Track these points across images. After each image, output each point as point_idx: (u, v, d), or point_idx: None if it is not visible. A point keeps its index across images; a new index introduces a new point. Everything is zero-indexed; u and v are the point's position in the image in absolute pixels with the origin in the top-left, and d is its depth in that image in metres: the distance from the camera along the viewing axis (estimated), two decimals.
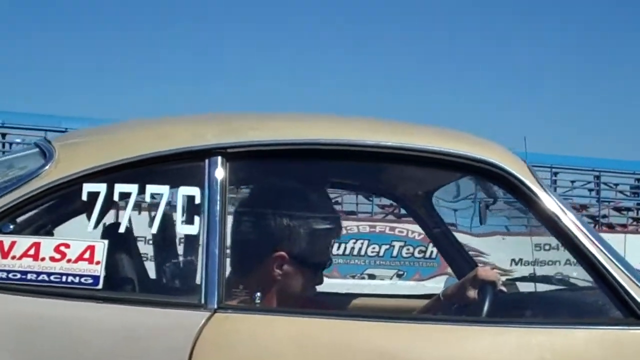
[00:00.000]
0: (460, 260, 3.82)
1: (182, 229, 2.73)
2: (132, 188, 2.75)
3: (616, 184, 24.61)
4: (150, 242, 2.89)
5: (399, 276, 15.90)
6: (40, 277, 2.64)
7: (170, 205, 2.76)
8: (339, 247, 14.42)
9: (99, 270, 2.66)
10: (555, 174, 23.72)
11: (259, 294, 2.78)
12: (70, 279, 2.65)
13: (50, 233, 2.87)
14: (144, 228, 2.79)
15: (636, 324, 2.79)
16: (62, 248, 2.68)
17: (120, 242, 2.81)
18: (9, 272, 2.64)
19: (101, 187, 2.75)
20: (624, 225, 22.99)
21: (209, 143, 2.81)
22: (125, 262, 2.83)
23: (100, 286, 2.65)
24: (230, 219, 2.81)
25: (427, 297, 3.54)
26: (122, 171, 2.78)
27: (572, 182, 24.47)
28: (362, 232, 15.96)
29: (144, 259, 2.90)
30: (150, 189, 2.76)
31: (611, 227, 22.71)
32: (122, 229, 2.75)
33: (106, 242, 2.71)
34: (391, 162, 3.00)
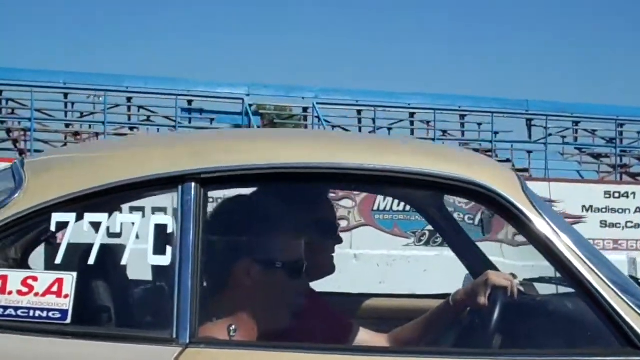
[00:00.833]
0: (476, 261, 3.67)
1: (153, 260, 2.63)
2: (102, 217, 2.66)
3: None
4: (122, 273, 2.79)
5: None
6: (7, 312, 2.57)
7: (141, 235, 2.65)
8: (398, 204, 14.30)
9: (68, 304, 2.57)
10: (577, 122, 23.46)
11: (233, 326, 2.66)
12: (37, 313, 2.57)
13: (21, 263, 2.79)
14: (116, 258, 2.69)
15: (634, 354, 2.63)
16: (30, 281, 2.60)
17: (90, 273, 2.72)
18: None
19: (70, 217, 2.66)
20: None
21: (183, 169, 2.70)
22: (95, 295, 2.74)
23: (68, 321, 2.56)
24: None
25: (443, 297, 3.41)
26: (92, 200, 2.69)
27: (594, 130, 24.18)
28: None
29: (116, 290, 2.80)
30: (121, 218, 2.66)
31: (632, 177, 22.42)
32: (91, 260, 2.65)
33: (75, 274, 2.62)
34: (374, 185, 2.87)
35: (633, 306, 2.66)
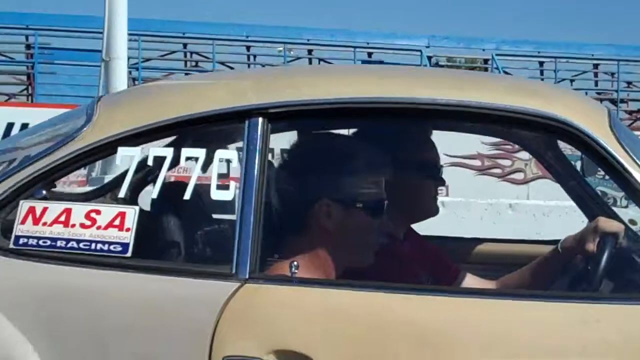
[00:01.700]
0: (594, 208, 3.48)
1: (217, 195, 2.57)
2: (167, 152, 2.63)
3: None
4: (185, 207, 2.74)
5: None
6: (69, 245, 2.57)
7: (207, 170, 2.60)
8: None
9: (129, 237, 2.55)
10: None
11: (295, 263, 2.57)
12: (99, 246, 2.56)
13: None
14: (180, 193, 2.64)
15: None
16: (93, 214, 2.59)
17: (152, 208, 2.69)
18: (39, 238, 2.58)
19: (136, 151, 2.63)
20: None
21: (250, 103, 2.63)
22: (157, 230, 2.71)
23: (129, 254, 2.54)
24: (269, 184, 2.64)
25: (553, 243, 3.28)
26: (157, 134, 2.66)
27: None
28: None
29: (178, 225, 2.76)
30: (186, 152, 2.62)
31: None
32: (154, 195, 2.61)
33: (137, 208, 2.60)
34: (447, 120, 2.72)
35: None
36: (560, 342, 2.43)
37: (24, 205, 2.61)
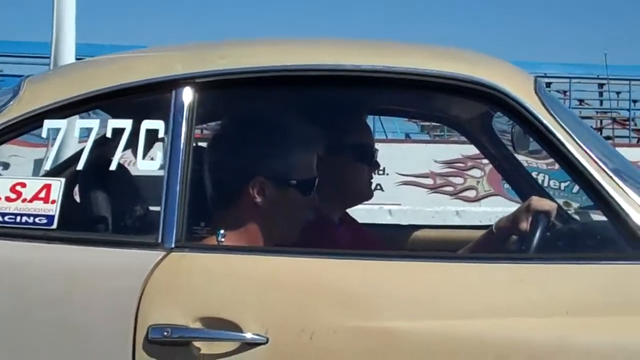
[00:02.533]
0: (526, 187, 3.50)
1: (143, 165, 2.56)
2: (94, 123, 2.61)
3: None
4: (111, 179, 2.73)
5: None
6: None
7: (133, 140, 2.59)
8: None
9: (54, 209, 2.53)
10: None
11: (222, 231, 2.57)
12: (24, 219, 2.54)
13: None
14: (106, 164, 2.63)
15: None
16: (18, 187, 2.57)
17: (79, 180, 2.67)
18: None
19: (62, 124, 2.62)
20: None
21: (176, 73, 2.62)
22: (83, 201, 2.69)
23: (54, 226, 2.52)
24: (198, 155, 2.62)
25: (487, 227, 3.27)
26: (83, 106, 2.66)
27: None
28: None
29: (104, 196, 2.74)
30: (112, 123, 2.60)
31: None
32: (80, 166, 2.60)
33: (63, 180, 2.58)
34: (373, 86, 2.72)
35: None
36: (486, 302, 2.44)
37: None
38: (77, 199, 2.69)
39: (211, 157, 2.71)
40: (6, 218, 2.54)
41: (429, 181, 15.77)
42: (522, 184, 3.55)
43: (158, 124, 2.58)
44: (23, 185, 2.57)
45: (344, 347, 2.39)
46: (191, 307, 2.42)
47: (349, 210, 3.39)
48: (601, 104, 23.52)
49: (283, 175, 2.72)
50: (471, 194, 15.86)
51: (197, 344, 2.40)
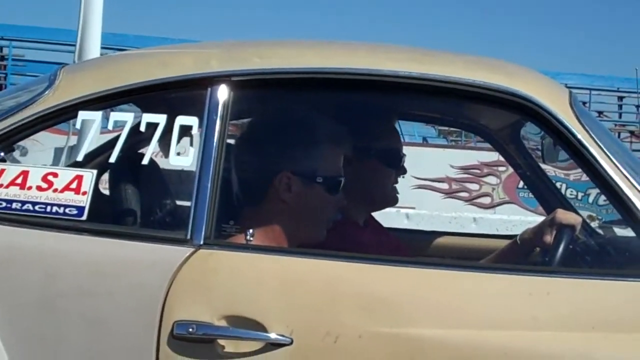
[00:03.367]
0: (551, 199, 3.49)
1: (175, 160, 2.57)
2: (128, 117, 2.62)
3: None
4: (143, 173, 2.73)
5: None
6: (24, 207, 2.55)
7: (167, 135, 2.59)
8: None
9: (85, 201, 2.54)
10: None
11: (251, 231, 2.57)
12: (54, 209, 2.55)
13: None
14: (139, 158, 2.64)
15: None
16: (50, 177, 2.58)
17: (109, 172, 2.68)
18: None
19: (96, 115, 2.62)
20: None
21: (212, 71, 2.62)
22: (113, 194, 2.70)
23: (84, 217, 2.53)
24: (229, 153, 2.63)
25: (511, 237, 3.28)
26: (118, 99, 2.66)
27: None
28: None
29: (136, 190, 2.75)
30: (147, 117, 2.61)
31: None
32: (113, 159, 2.60)
33: (95, 172, 2.58)
34: (411, 93, 2.72)
35: None
36: (511, 313, 2.43)
37: None
38: (102, 190, 2.68)
39: (240, 155, 2.72)
40: (37, 207, 2.54)
41: (445, 186, 15.77)
42: (547, 195, 3.54)
43: (192, 120, 2.58)
44: (55, 175, 2.58)
45: (368, 352, 2.39)
46: (217, 305, 2.42)
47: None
48: (620, 116, 23.50)
49: (309, 171, 2.73)
50: (486, 200, 15.84)
51: (221, 341, 2.41)
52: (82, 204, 2.53)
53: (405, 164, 3.31)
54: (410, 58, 2.72)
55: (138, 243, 2.51)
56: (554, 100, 2.61)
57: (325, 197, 2.76)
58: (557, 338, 2.40)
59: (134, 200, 2.72)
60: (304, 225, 2.77)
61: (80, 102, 2.63)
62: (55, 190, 2.55)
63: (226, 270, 2.47)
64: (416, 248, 3.67)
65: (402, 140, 3.47)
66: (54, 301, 2.48)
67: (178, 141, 2.57)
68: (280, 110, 2.87)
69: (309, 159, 2.75)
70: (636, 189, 2.52)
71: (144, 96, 2.67)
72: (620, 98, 23.13)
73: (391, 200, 3.35)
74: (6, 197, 2.56)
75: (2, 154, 2.62)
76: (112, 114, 2.63)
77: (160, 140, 2.59)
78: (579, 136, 2.55)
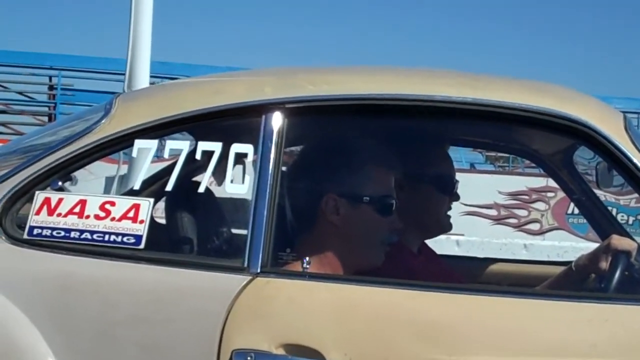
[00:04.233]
0: (606, 225, 3.46)
1: (231, 188, 2.58)
2: (183, 145, 2.63)
3: None
4: (199, 200, 2.75)
5: None
6: (83, 236, 2.58)
7: (222, 163, 2.60)
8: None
9: (142, 229, 2.55)
10: None
11: (307, 259, 2.57)
12: (112, 237, 2.56)
13: None
14: (195, 186, 2.65)
15: None
16: (108, 206, 2.60)
17: (167, 200, 2.69)
18: (53, 229, 2.59)
19: (152, 144, 2.64)
20: None
21: (267, 98, 2.64)
22: (171, 222, 2.71)
23: (142, 246, 2.54)
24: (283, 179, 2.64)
25: (565, 264, 3.24)
26: (174, 127, 2.68)
27: None
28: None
29: (192, 218, 2.76)
30: (202, 146, 2.62)
31: None
32: (169, 187, 2.62)
33: (152, 200, 2.60)
34: (461, 118, 2.71)
35: None
36: (570, 340, 2.41)
37: (39, 196, 2.62)
38: (155, 218, 2.70)
39: (292, 181, 2.73)
40: (95, 236, 2.56)
41: (493, 212, 15.71)
42: (601, 221, 3.50)
43: (247, 148, 2.60)
44: (112, 204, 2.60)
45: None
46: (275, 333, 2.42)
47: None
48: None
49: (354, 192, 2.73)
50: (535, 227, 15.75)
51: None
52: (139, 233, 2.55)
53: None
54: (462, 83, 2.71)
55: (195, 271, 2.52)
56: (609, 124, 2.59)
57: (375, 218, 2.76)
58: None
59: (190, 228, 2.73)
60: (357, 248, 2.76)
61: (136, 131, 2.65)
62: (112, 219, 2.57)
63: (283, 298, 2.47)
64: (469, 275, 3.65)
65: (454, 166, 3.46)
66: (112, 329, 2.50)
67: (233, 169, 2.58)
68: (327, 135, 2.88)
69: (354, 180, 2.75)
70: None
71: (199, 124, 2.68)
72: None
73: (445, 226, 3.34)
74: (65, 226, 2.58)
75: (60, 183, 2.65)
76: (167, 142, 2.64)
77: (216, 168, 2.60)
78: (635, 160, 2.53)
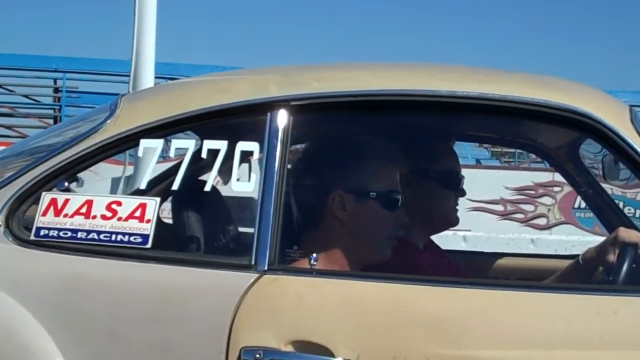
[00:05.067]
0: (613, 217, 3.45)
1: (237, 187, 2.58)
2: (189, 144, 2.64)
3: None
4: (205, 199, 2.75)
5: None
6: (90, 236, 2.58)
7: (228, 162, 2.60)
8: None
9: (149, 228, 2.56)
10: None
11: (314, 255, 2.58)
12: (119, 237, 2.57)
13: None
14: (201, 185, 2.65)
15: None
16: (114, 206, 2.60)
17: (174, 199, 2.70)
18: (60, 230, 2.60)
19: (157, 143, 2.65)
20: None
21: (272, 96, 2.63)
22: (177, 221, 2.71)
23: (149, 245, 2.54)
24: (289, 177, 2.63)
25: (572, 257, 3.24)
26: (179, 126, 2.68)
27: None
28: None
29: (198, 216, 2.76)
30: (208, 144, 2.62)
31: None
32: (176, 186, 2.62)
33: (158, 200, 2.60)
34: (467, 113, 2.71)
35: None
36: (577, 333, 2.41)
37: (45, 197, 2.63)
38: (162, 217, 2.70)
39: (298, 178, 2.73)
40: (101, 236, 2.57)
41: (500, 208, 15.67)
42: (608, 213, 3.50)
43: (253, 146, 2.60)
44: (119, 203, 2.60)
45: None
46: (283, 330, 2.42)
47: None
48: None
49: (360, 188, 2.74)
50: (542, 221, 15.71)
51: None
52: (146, 232, 2.55)
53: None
54: (467, 78, 2.71)
55: (203, 270, 2.52)
56: (615, 117, 2.58)
57: (381, 213, 2.76)
58: (625, 357, 2.37)
59: (197, 227, 2.73)
60: (364, 244, 2.77)
61: (142, 131, 2.65)
62: (119, 219, 2.57)
63: (291, 295, 2.47)
64: (476, 270, 3.65)
65: (459, 161, 3.46)
66: (120, 329, 2.50)
67: (239, 167, 2.58)
68: (332, 132, 2.88)
69: (359, 176, 2.76)
70: None
71: (204, 123, 2.68)
72: None
73: (451, 221, 3.34)
74: (71, 227, 2.58)
75: (66, 183, 2.65)
76: (173, 141, 2.64)
77: (222, 167, 2.60)
78: None
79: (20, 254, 2.59)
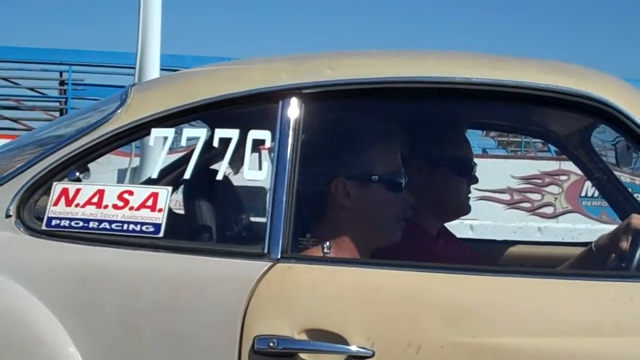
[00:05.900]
0: (625, 204, 3.43)
1: (249, 175, 2.57)
2: (201, 133, 2.62)
3: None
4: (218, 188, 2.74)
5: None
6: (101, 225, 2.57)
7: (239, 150, 2.59)
8: None
9: (161, 218, 2.54)
10: None
11: (327, 243, 2.56)
12: (131, 227, 2.55)
13: None
14: (213, 174, 2.64)
15: None
16: (126, 195, 2.59)
17: (185, 189, 2.68)
18: (71, 220, 2.58)
19: (169, 132, 2.63)
20: None
21: (283, 84, 2.62)
22: (189, 210, 2.70)
23: (161, 234, 2.53)
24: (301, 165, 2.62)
25: (585, 245, 3.21)
26: (191, 115, 2.67)
27: None
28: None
29: (210, 205, 2.75)
30: (219, 133, 2.61)
31: None
32: (187, 175, 2.61)
33: (170, 189, 2.59)
34: (481, 99, 2.69)
35: None
36: (593, 319, 2.40)
37: (57, 187, 2.61)
38: (174, 207, 2.69)
39: (308, 166, 2.71)
40: (113, 226, 2.56)
41: (506, 197, 15.67)
42: (620, 200, 3.47)
43: (265, 134, 2.59)
44: (130, 193, 2.59)
45: None
46: (297, 319, 2.41)
47: None
48: None
49: (362, 172, 2.74)
50: (549, 210, 15.71)
51: (302, 355, 2.39)
52: (158, 221, 2.54)
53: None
54: (481, 64, 2.69)
55: (215, 259, 2.51)
56: (629, 102, 2.56)
57: (387, 195, 2.76)
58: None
59: (209, 216, 2.72)
60: (372, 228, 2.77)
61: (153, 120, 2.64)
62: (131, 209, 2.56)
63: (304, 283, 2.45)
64: (489, 258, 3.63)
65: (471, 149, 3.44)
66: (133, 318, 2.49)
67: (251, 156, 2.57)
68: (337, 119, 2.87)
69: (359, 161, 2.75)
70: None
71: (216, 112, 2.67)
72: None
73: (464, 209, 3.32)
74: (83, 217, 2.57)
75: (78, 173, 2.64)
76: (184, 130, 2.63)
77: (234, 155, 2.59)
78: None
79: (31, 244, 2.58)
